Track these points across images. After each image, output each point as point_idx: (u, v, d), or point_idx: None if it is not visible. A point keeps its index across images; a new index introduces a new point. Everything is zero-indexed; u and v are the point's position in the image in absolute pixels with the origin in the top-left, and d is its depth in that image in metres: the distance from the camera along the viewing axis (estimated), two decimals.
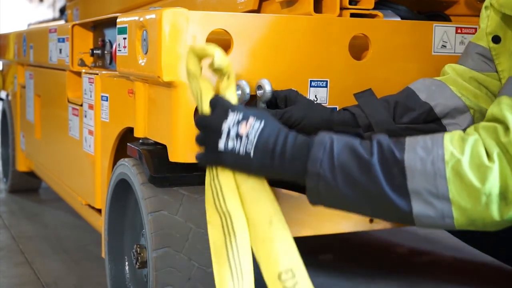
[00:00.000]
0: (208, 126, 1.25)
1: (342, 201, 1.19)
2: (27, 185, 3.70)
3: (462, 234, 2.13)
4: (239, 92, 1.45)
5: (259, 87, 1.48)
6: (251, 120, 1.22)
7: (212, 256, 1.29)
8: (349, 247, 2.75)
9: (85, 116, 2.20)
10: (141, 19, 1.54)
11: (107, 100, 1.99)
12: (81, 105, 2.24)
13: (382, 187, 1.14)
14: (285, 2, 1.72)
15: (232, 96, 1.28)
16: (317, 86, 1.60)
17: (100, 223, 2.10)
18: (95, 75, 2.09)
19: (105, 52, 2.23)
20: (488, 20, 1.51)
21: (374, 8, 1.70)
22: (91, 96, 2.12)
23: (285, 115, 1.46)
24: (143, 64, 1.55)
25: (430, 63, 1.72)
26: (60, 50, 2.47)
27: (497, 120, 1.17)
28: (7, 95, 3.78)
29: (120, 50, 1.69)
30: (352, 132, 1.36)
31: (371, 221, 2.57)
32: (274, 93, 1.51)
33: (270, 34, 1.54)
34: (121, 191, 1.81)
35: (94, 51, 2.27)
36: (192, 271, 1.58)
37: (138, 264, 1.70)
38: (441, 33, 1.73)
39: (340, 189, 1.17)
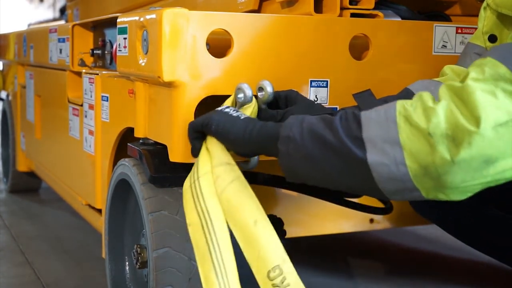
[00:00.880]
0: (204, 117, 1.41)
1: (309, 160, 1.25)
2: (28, 185, 3.70)
3: (462, 234, 2.13)
4: (241, 95, 1.44)
5: (260, 88, 1.48)
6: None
7: (196, 258, 1.32)
8: (349, 247, 2.75)
9: (86, 116, 2.20)
10: (142, 19, 1.54)
11: (107, 100, 1.99)
12: (82, 105, 2.24)
13: (342, 138, 1.21)
14: (286, 2, 1.72)
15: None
16: (317, 86, 1.60)
17: (100, 223, 2.10)
18: (96, 75, 2.09)
19: (106, 52, 2.23)
20: (484, 20, 1.52)
21: (375, 8, 1.70)
22: (91, 96, 2.13)
23: (286, 115, 1.46)
24: (143, 64, 1.55)
25: (431, 63, 1.72)
26: (61, 50, 2.47)
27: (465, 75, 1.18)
28: (7, 95, 3.78)
29: (120, 50, 1.69)
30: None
31: (371, 221, 2.58)
32: (275, 94, 1.50)
33: (271, 34, 1.54)
34: (122, 191, 1.81)
35: (95, 51, 2.27)
36: (193, 272, 1.58)
37: (138, 264, 1.70)
38: (442, 33, 1.74)
39: (307, 146, 1.25)
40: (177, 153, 1.50)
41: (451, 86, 1.15)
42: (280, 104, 1.52)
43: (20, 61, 3.29)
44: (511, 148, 1.09)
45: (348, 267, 2.51)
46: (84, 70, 2.25)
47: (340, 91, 1.62)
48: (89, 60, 2.34)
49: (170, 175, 1.57)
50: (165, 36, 1.44)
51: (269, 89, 1.46)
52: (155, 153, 1.60)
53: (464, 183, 1.12)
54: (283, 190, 2.28)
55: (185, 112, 1.47)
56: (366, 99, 1.53)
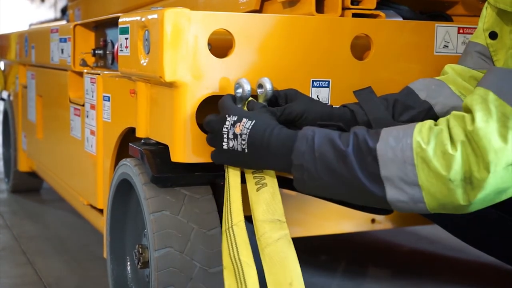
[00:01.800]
0: (213, 130, 1.42)
1: (324, 189, 1.29)
2: (29, 185, 3.71)
3: (463, 235, 2.13)
4: (240, 90, 1.45)
5: (260, 85, 1.48)
6: (244, 120, 1.37)
7: None
8: (350, 247, 2.75)
9: (87, 116, 2.20)
10: (143, 19, 1.54)
11: (109, 100, 2.00)
12: (83, 105, 2.24)
13: (357, 175, 1.23)
14: (287, 2, 1.72)
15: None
16: (319, 86, 1.60)
17: (102, 223, 2.10)
18: (97, 75, 2.10)
19: (107, 52, 2.23)
20: (485, 17, 1.53)
21: (376, 8, 1.70)
22: (93, 96, 2.13)
23: (286, 111, 1.47)
24: (145, 64, 1.55)
25: (432, 63, 1.72)
26: (62, 50, 2.47)
27: (467, 109, 1.21)
28: (9, 95, 3.78)
29: (122, 50, 1.69)
30: (336, 127, 1.43)
31: (372, 221, 2.58)
32: (275, 92, 1.50)
33: (272, 34, 1.54)
34: (123, 191, 1.81)
35: (96, 51, 2.27)
36: (194, 271, 1.58)
37: (140, 264, 1.70)
38: (443, 33, 1.74)
39: (322, 178, 1.27)
40: (179, 153, 1.50)
41: (464, 128, 1.18)
42: (280, 102, 1.52)
43: (21, 61, 3.29)
44: None
45: (349, 267, 2.51)
46: (85, 70, 2.25)
47: (342, 91, 1.62)
48: (90, 60, 2.34)
49: (172, 175, 1.57)
50: (166, 36, 1.44)
51: (268, 86, 1.46)
52: (157, 153, 1.60)
53: (477, 209, 1.21)
54: (284, 190, 2.28)
55: (187, 112, 1.48)
56: (366, 96, 1.54)
